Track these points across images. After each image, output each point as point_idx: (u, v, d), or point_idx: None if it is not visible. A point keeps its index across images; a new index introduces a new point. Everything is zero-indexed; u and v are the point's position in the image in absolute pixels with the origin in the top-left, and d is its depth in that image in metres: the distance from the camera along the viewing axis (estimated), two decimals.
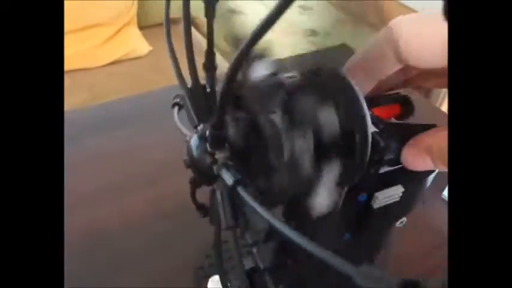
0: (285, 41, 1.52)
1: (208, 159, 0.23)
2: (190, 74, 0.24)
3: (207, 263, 0.51)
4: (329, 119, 0.23)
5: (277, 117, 0.22)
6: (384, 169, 0.27)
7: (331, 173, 0.23)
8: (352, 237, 0.32)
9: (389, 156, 0.27)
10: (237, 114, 0.24)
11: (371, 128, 0.25)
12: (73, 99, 1.20)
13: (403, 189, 0.28)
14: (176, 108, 0.32)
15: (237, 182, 0.21)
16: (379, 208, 0.29)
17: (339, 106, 0.23)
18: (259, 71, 0.23)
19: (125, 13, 1.47)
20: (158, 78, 1.13)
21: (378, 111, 0.28)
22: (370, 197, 0.28)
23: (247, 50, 0.16)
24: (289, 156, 0.23)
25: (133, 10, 1.51)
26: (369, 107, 0.26)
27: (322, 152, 0.23)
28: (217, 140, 0.22)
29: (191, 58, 0.22)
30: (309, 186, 0.23)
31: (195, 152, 0.24)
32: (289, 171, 0.23)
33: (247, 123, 0.23)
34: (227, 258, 0.48)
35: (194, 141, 0.24)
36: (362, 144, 0.24)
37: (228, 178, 0.21)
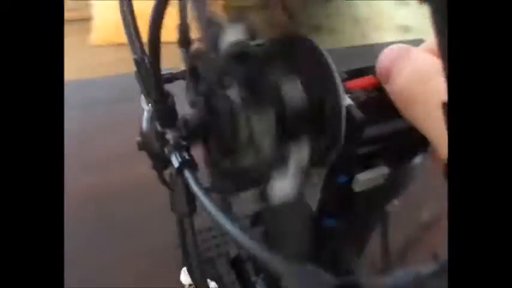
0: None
1: (159, 140, 0.20)
2: (131, 44, 0.21)
3: (210, 235, 0.49)
4: (292, 90, 0.20)
5: (233, 91, 0.20)
6: (365, 149, 0.25)
7: (297, 153, 0.20)
8: (338, 223, 0.29)
9: (370, 133, 0.24)
10: (194, 87, 0.21)
11: (345, 100, 0.22)
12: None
13: (387, 171, 0.25)
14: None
15: (183, 165, 0.18)
16: (362, 192, 0.26)
17: (306, 75, 0.21)
18: (228, 38, 0.20)
19: None
20: None
21: (353, 84, 0.25)
22: (351, 179, 0.25)
23: None
24: (247, 135, 0.20)
25: None
26: (343, 80, 0.23)
27: (286, 129, 0.20)
28: (163, 116, 0.19)
29: (134, 27, 0.19)
30: (273, 168, 0.21)
31: (145, 132, 0.21)
32: (249, 152, 0.21)
33: (202, 99, 0.20)
34: (214, 245, 0.47)
35: (145, 120, 0.21)
36: (334, 118, 0.21)
37: (175, 160, 0.19)
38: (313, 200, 0.27)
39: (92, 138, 0.53)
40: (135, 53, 0.21)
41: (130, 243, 0.47)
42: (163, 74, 0.28)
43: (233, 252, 0.40)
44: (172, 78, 0.28)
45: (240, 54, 0.20)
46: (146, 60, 0.21)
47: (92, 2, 1.44)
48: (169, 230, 0.31)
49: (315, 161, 0.23)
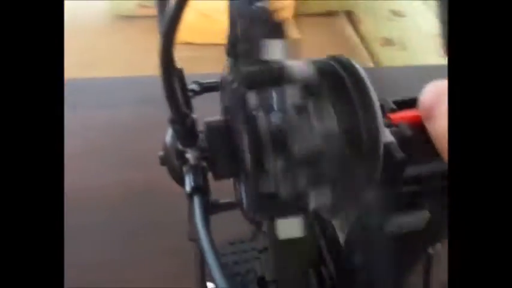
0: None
1: (178, 158, 0.19)
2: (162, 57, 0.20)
3: (230, 250, 0.47)
4: (326, 120, 0.18)
5: (260, 117, 0.18)
6: (404, 189, 0.22)
7: (322, 188, 0.19)
8: (368, 263, 0.27)
9: (410, 173, 0.21)
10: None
11: (386, 136, 0.20)
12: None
13: (428, 214, 0.23)
14: (189, 94, 0.28)
15: (194, 190, 0.17)
16: (399, 234, 0.23)
17: (341, 105, 0.19)
18: (268, 53, 0.19)
19: None
20: None
21: (399, 116, 0.23)
22: (386, 220, 0.23)
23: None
24: (272, 165, 0.18)
25: None
26: (390, 111, 0.21)
27: (312, 162, 0.18)
28: (182, 136, 0.18)
29: (168, 41, 0.19)
30: (299, 199, 0.19)
31: (167, 148, 0.20)
32: (275, 182, 0.19)
33: (224, 122, 0.19)
34: (243, 260, 0.45)
35: (168, 135, 0.20)
36: (370, 156, 0.19)
37: (188, 184, 0.17)
38: (343, 236, 0.25)
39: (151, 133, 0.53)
40: None
41: (160, 242, 0.46)
42: (191, 86, 0.27)
43: (259, 271, 0.39)
44: (202, 90, 0.27)
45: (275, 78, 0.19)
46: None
47: None
48: None
49: (347, 196, 0.21)
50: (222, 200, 0.32)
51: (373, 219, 0.23)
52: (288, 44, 0.20)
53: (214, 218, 0.31)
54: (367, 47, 1.27)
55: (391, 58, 1.22)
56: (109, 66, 1.08)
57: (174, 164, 0.20)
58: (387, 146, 0.20)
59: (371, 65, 1.19)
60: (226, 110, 0.21)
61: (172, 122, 0.17)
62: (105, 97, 0.64)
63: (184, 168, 0.19)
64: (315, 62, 0.20)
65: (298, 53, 0.21)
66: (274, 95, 0.19)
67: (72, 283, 0.42)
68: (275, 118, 0.19)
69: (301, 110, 0.19)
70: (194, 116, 0.20)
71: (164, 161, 0.21)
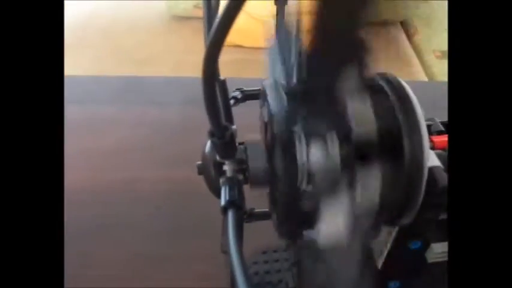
0: None
1: (216, 170, 0.20)
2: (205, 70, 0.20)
3: (252, 270, 0.47)
4: (365, 137, 0.18)
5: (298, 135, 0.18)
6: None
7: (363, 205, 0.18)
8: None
9: None
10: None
11: (430, 160, 0.19)
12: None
13: None
14: (231, 101, 0.29)
15: (229, 204, 0.17)
16: (437, 263, 0.22)
17: (386, 124, 0.18)
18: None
19: None
20: None
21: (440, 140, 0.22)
22: (426, 247, 0.22)
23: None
24: (308, 181, 0.18)
25: None
26: (436, 133, 0.20)
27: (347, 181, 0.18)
28: (221, 149, 0.18)
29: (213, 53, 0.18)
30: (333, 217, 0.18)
31: (206, 158, 0.21)
32: (308, 198, 0.19)
33: (264, 142, 0.19)
34: (274, 270, 0.45)
35: (207, 147, 0.21)
36: (413, 179, 0.18)
37: (223, 197, 0.17)
38: (381, 258, 0.25)
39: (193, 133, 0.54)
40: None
41: (199, 242, 0.47)
42: (233, 94, 0.27)
43: (291, 283, 0.38)
44: (244, 98, 0.27)
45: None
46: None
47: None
48: None
49: (386, 218, 0.20)
50: (258, 210, 0.31)
51: (413, 244, 0.22)
52: None
53: (249, 226, 0.31)
54: (422, 59, 1.23)
55: (446, 70, 1.17)
56: (163, 64, 1.11)
57: (211, 174, 0.20)
58: (431, 170, 0.19)
59: (425, 78, 1.15)
60: (265, 126, 0.21)
61: (212, 135, 0.17)
62: (156, 95, 0.65)
63: (221, 180, 0.19)
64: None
65: None
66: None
67: (114, 273, 0.43)
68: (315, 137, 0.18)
69: (345, 127, 0.18)
70: (234, 127, 0.20)
71: (202, 170, 0.21)
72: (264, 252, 0.42)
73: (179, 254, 0.45)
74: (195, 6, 1.23)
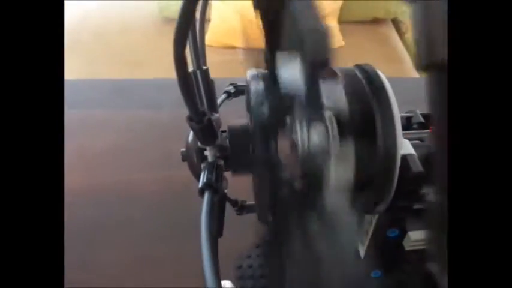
0: None
1: (198, 156, 0.20)
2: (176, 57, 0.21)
3: (246, 264, 0.48)
4: (342, 127, 0.18)
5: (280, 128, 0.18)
6: (424, 204, 0.22)
7: (334, 195, 0.18)
8: (384, 277, 0.26)
9: (431, 188, 0.21)
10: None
11: (405, 149, 0.20)
12: None
13: None
14: (224, 95, 0.29)
15: (205, 185, 0.17)
16: (414, 251, 0.23)
17: (361, 112, 0.19)
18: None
19: (328, 5, 1.34)
20: None
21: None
22: (403, 235, 0.23)
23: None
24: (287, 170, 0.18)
25: (338, 3, 1.37)
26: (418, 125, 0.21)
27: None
28: (200, 134, 0.19)
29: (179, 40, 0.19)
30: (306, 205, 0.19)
31: (189, 145, 0.21)
32: (289, 184, 0.19)
33: (246, 133, 0.20)
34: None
35: (191, 135, 0.21)
36: (385, 167, 0.19)
37: (201, 180, 0.18)
38: (363, 248, 0.25)
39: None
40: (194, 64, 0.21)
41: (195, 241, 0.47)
42: (227, 88, 0.27)
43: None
44: (237, 92, 0.27)
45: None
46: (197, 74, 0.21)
47: (213, 3, 1.50)
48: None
49: (362, 207, 0.21)
50: (249, 202, 0.32)
51: (390, 232, 0.23)
52: None
53: (242, 219, 0.31)
54: (413, 56, 1.24)
55: None
56: (154, 66, 1.11)
57: (193, 160, 0.21)
58: (405, 158, 0.19)
59: (416, 75, 1.16)
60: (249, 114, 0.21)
61: (190, 120, 0.18)
62: (148, 98, 0.66)
63: (202, 166, 0.20)
64: (338, 69, 0.20)
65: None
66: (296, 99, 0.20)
67: (109, 274, 0.43)
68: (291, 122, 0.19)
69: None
70: (216, 115, 0.21)
71: (185, 157, 0.22)
72: (258, 246, 0.43)
73: (175, 255, 0.46)
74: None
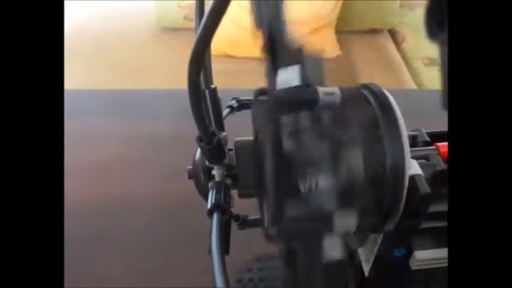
0: None
1: (205, 174, 0.20)
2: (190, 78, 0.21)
3: (247, 277, 0.47)
4: (352, 148, 0.18)
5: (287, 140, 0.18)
6: (430, 224, 0.22)
7: (347, 214, 0.18)
8: None
9: (437, 207, 0.21)
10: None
11: (412, 169, 0.20)
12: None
13: None
14: (227, 110, 0.29)
15: (214, 206, 0.17)
16: (420, 271, 0.23)
17: (370, 133, 0.19)
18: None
19: (326, 15, 1.33)
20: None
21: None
22: (409, 255, 0.23)
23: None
24: (296, 187, 0.18)
25: (335, 13, 1.34)
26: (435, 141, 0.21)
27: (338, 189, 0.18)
28: (209, 154, 0.19)
29: (195, 62, 0.19)
30: (318, 224, 0.19)
31: (196, 163, 0.21)
32: (298, 204, 0.19)
33: (253, 142, 0.20)
34: (269, 278, 0.45)
35: (198, 153, 0.21)
36: (394, 187, 0.19)
37: (210, 200, 0.18)
38: (368, 266, 0.25)
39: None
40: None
41: (195, 254, 0.47)
42: (229, 103, 0.27)
43: None
44: (240, 107, 0.28)
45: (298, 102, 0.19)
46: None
47: None
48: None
49: (370, 226, 0.20)
50: (251, 217, 0.32)
51: (396, 251, 0.23)
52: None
53: (244, 233, 0.31)
54: (410, 66, 1.25)
55: (435, 78, 1.19)
56: (153, 75, 1.11)
57: (200, 179, 0.21)
58: (413, 178, 0.19)
59: (413, 85, 1.17)
60: (256, 130, 0.21)
61: (200, 140, 0.18)
62: (149, 108, 0.66)
63: (210, 184, 0.20)
64: (346, 90, 0.20)
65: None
66: (304, 119, 0.20)
67: (108, 286, 0.43)
68: (301, 142, 0.19)
69: (328, 135, 0.19)
70: (223, 134, 0.21)
71: (192, 175, 0.22)
72: (259, 259, 0.42)
73: (174, 268, 0.45)
74: (185, 18, 1.24)
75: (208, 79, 0.23)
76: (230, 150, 0.21)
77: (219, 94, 0.28)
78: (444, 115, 0.25)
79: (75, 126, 0.60)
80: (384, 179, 0.19)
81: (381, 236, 0.23)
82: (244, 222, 0.30)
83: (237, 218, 0.30)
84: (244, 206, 0.29)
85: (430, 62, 1.22)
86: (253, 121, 0.23)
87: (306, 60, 0.19)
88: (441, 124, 0.24)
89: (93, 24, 1.28)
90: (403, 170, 0.18)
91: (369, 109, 0.19)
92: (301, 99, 0.19)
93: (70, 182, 0.50)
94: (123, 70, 1.10)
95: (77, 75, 1.02)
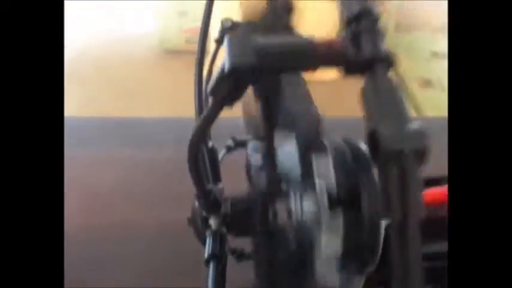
0: None
1: (203, 223, 0.22)
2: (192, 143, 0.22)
3: None
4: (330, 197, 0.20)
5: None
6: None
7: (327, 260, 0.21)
8: None
9: (426, 249, 0.23)
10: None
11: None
12: None
13: None
14: (224, 150, 0.31)
15: (210, 256, 0.19)
16: None
17: (348, 183, 0.21)
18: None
19: None
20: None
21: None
22: None
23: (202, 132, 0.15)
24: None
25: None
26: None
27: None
28: (205, 206, 0.21)
29: (198, 135, 0.21)
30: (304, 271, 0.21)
31: (194, 211, 0.23)
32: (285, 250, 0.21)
33: (246, 201, 0.22)
34: None
35: (196, 203, 0.23)
36: (371, 235, 0.21)
37: (206, 249, 0.20)
38: None
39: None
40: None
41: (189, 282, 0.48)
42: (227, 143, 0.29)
43: None
44: (237, 145, 0.30)
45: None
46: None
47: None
48: None
49: (354, 268, 0.23)
50: (248, 251, 0.34)
51: None
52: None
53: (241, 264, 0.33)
54: (406, 88, 1.27)
55: (430, 99, 1.21)
56: (155, 97, 1.13)
57: (199, 227, 0.23)
58: (388, 227, 0.21)
59: (408, 106, 1.18)
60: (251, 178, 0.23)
61: (198, 197, 0.20)
62: (149, 136, 0.68)
63: (207, 232, 0.22)
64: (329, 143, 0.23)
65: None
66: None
67: None
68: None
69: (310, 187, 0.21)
70: (220, 186, 0.23)
71: (191, 222, 0.24)
72: None
73: None
74: (187, 41, 1.27)
75: (207, 139, 0.25)
76: (225, 199, 0.23)
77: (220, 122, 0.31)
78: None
79: (77, 154, 0.61)
80: (362, 226, 0.21)
81: (363, 277, 0.25)
82: (242, 255, 0.32)
83: (234, 251, 0.32)
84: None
85: (425, 84, 1.25)
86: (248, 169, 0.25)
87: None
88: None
89: (95, 48, 1.30)
90: (378, 219, 0.20)
91: (348, 162, 0.22)
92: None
93: (71, 209, 0.52)
94: (125, 94, 1.11)
95: (79, 99, 1.04)
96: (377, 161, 0.12)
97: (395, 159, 0.12)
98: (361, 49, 0.14)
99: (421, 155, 0.12)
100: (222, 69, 0.14)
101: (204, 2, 0.28)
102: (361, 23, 0.14)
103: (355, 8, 0.15)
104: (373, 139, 0.12)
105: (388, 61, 0.14)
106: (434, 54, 1.31)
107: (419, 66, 1.29)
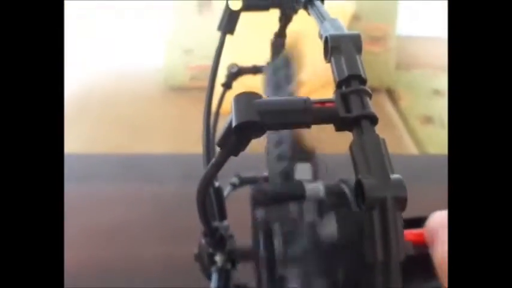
0: None
1: (208, 259, 0.23)
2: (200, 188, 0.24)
3: None
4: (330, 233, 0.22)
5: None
6: None
7: None
8: None
9: None
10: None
11: None
12: None
13: None
14: (229, 188, 0.33)
15: None
16: None
17: (346, 219, 0.22)
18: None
19: (326, 74, 1.42)
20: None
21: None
22: None
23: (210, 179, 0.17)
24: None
25: None
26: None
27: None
28: (211, 244, 0.22)
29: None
30: None
31: (201, 247, 0.24)
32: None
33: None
34: None
35: (202, 238, 0.24)
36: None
37: (213, 285, 0.21)
38: None
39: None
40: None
41: None
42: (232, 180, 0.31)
43: None
44: (242, 183, 0.31)
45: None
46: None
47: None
48: None
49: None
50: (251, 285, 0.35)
51: None
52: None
53: None
54: (407, 125, 1.29)
55: (431, 136, 1.23)
56: (161, 133, 1.15)
57: (205, 263, 0.24)
58: None
59: (410, 142, 1.20)
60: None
61: (205, 235, 0.21)
62: (154, 172, 0.69)
63: (212, 269, 0.23)
64: (326, 185, 0.24)
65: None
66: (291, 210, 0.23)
67: None
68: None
69: (310, 224, 0.22)
70: (225, 224, 0.24)
71: (197, 258, 0.25)
72: None
73: None
74: (192, 78, 1.31)
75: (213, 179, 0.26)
76: (231, 236, 0.24)
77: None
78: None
79: (81, 190, 0.62)
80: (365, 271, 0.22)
81: None
82: None
83: (238, 286, 0.33)
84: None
85: (426, 120, 1.27)
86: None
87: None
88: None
89: (100, 86, 1.32)
90: None
91: (345, 199, 0.23)
92: (290, 194, 0.22)
93: (75, 246, 0.52)
94: (130, 131, 1.13)
95: (84, 137, 1.05)
96: (362, 208, 0.14)
97: (379, 205, 0.13)
98: (350, 108, 0.16)
99: (401, 202, 0.14)
100: (229, 125, 0.15)
101: (210, 40, 0.29)
102: (350, 85, 0.16)
103: (345, 72, 0.17)
104: (358, 188, 0.14)
105: (372, 119, 0.15)
106: (436, 92, 1.35)
107: (421, 103, 1.31)
